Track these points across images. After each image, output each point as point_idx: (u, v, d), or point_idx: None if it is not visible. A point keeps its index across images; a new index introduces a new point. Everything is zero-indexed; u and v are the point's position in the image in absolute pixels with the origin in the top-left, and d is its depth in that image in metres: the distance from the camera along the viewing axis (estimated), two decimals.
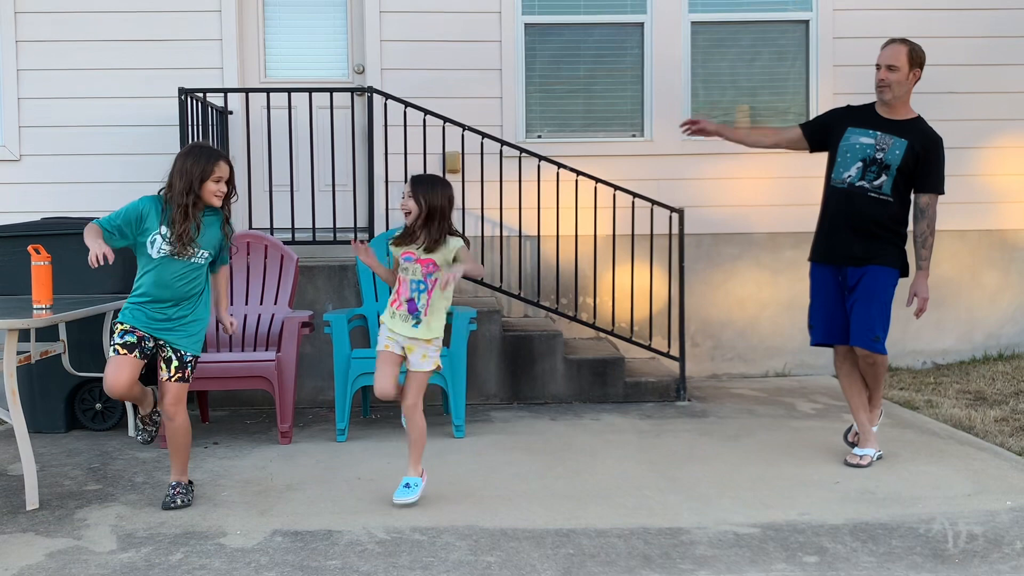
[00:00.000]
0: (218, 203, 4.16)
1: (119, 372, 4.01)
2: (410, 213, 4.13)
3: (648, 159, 7.23)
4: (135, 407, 5.48)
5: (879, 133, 4.69)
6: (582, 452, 5.07)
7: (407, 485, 4.19)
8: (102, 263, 3.92)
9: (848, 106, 4.94)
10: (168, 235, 4.07)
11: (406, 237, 4.18)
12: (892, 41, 4.74)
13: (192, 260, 4.13)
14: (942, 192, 4.69)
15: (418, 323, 4.14)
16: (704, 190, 7.24)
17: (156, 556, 3.59)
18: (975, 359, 7.43)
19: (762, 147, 5.16)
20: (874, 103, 4.79)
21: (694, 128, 5.05)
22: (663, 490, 4.39)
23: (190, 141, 6.14)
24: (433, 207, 4.10)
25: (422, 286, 4.13)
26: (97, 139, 7.00)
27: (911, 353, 7.42)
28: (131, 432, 5.47)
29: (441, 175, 4.24)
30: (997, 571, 3.41)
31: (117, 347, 4.05)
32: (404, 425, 4.25)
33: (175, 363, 4.12)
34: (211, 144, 6.54)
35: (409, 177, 4.24)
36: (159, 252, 4.09)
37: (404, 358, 4.19)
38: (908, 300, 4.73)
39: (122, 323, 4.12)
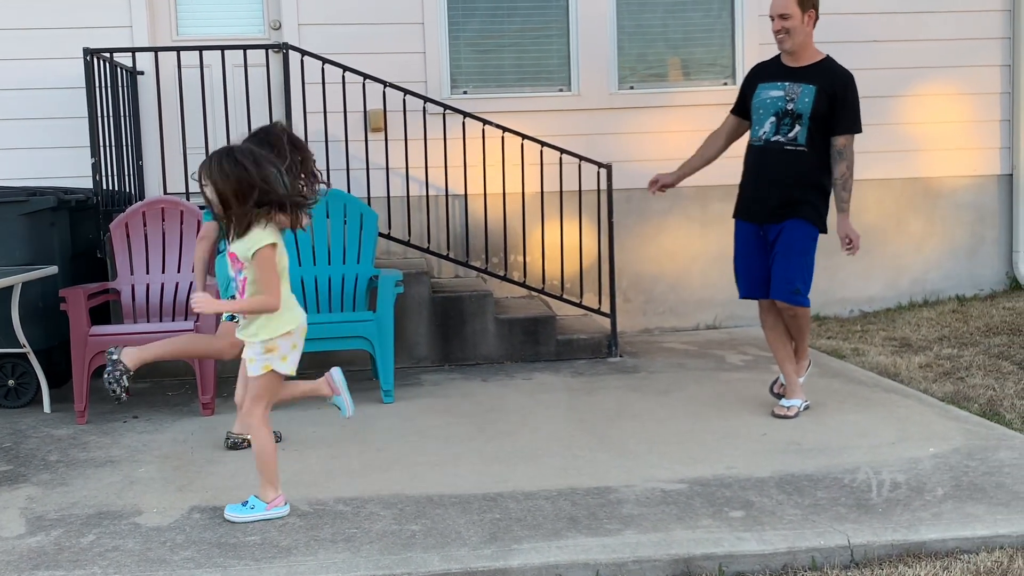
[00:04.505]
0: None
1: None
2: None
3: (576, 113, 7.13)
4: (48, 382, 5.30)
5: (787, 84, 4.66)
6: (513, 413, 5.01)
7: (244, 501, 3.66)
8: None
9: (757, 64, 4.94)
10: None
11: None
12: None
13: None
14: (858, 131, 4.64)
15: (238, 320, 3.71)
16: (632, 144, 7.17)
17: (66, 539, 3.45)
18: (901, 306, 7.54)
19: (718, 155, 5.06)
20: (780, 55, 4.76)
21: (657, 187, 5.11)
22: (592, 449, 4.36)
23: (98, 104, 5.89)
24: (222, 193, 3.45)
25: (234, 284, 3.64)
26: (3, 104, 6.67)
27: (839, 301, 7.49)
28: (47, 408, 5.28)
29: (243, 147, 3.55)
30: (919, 518, 3.45)
31: None
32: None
33: None
34: (126, 106, 6.31)
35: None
36: None
37: None
38: (841, 245, 4.69)
39: None
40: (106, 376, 4.10)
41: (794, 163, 4.63)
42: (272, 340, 3.59)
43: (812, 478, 3.89)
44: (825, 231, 4.76)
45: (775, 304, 4.78)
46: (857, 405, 4.95)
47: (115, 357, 4.12)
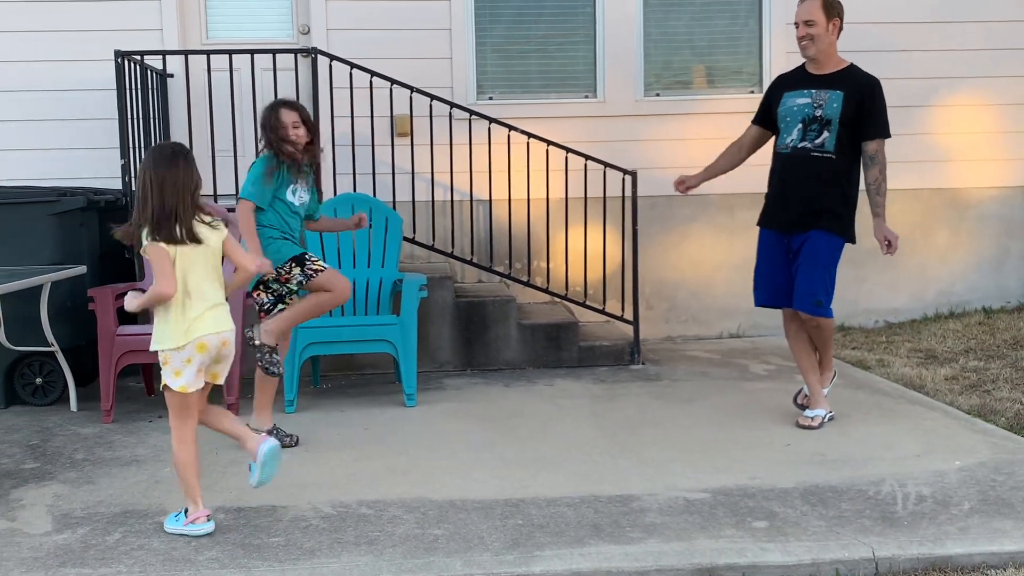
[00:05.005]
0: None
1: None
2: None
3: (601, 120, 7.13)
4: (75, 381, 5.34)
5: (814, 91, 4.66)
6: (534, 419, 5.02)
7: (177, 512, 3.57)
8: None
9: (780, 75, 4.95)
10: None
11: None
12: None
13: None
14: (887, 135, 4.63)
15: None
16: (657, 151, 7.16)
17: (93, 537, 3.49)
18: (927, 317, 7.48)
19: (740, 164, 5.08)
20: (804, 64, 4.76)
21: (683, 188, 5.10)
22: (615, 456, 4.35)
23: (128, 105, 5.95)
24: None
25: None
26: (36, 104, 6.75)
27: (864, 312, 7.44)
28: (73, 407, 5.33)
29: (176, 144, 3.56)
30: (945, 532, 3.42)
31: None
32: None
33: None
34: (156, 107, 6.37)
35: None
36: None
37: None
38: (881, 248, 4.67)
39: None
40: (259, 362, 4.37)
41: (820, 169, 4.62)
42: (164, 352, 3.42)
43: (836, 489, 3.86)
44: (852, 241, 4.74)
45: (799, 314, 4.76)
46: (882, 417, 4.92)
47: (256, 343, 4.24)
